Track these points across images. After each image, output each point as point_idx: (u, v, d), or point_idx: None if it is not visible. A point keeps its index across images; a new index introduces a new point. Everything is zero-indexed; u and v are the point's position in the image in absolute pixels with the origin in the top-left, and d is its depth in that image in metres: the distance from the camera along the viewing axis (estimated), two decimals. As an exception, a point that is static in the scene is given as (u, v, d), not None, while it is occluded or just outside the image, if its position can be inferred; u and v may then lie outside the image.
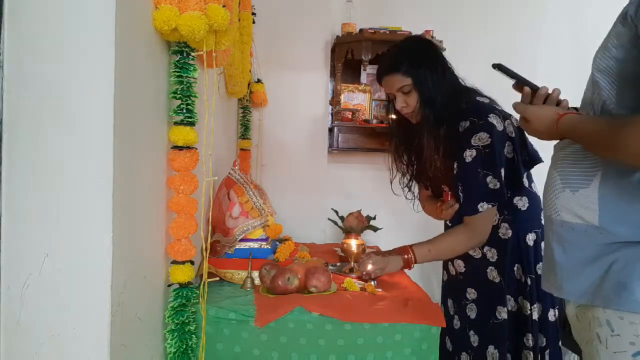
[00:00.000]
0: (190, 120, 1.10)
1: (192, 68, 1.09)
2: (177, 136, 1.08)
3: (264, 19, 2.31)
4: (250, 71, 2.20)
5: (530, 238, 1.42)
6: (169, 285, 1.14)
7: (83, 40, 0.84)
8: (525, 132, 1.28)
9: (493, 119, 1.36)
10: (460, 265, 1.53)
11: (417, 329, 1.21)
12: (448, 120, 1.41)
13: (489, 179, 1.35)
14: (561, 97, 1.06)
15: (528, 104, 1.06)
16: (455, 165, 1.40)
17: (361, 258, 1.50)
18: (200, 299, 1.15)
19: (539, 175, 1.32)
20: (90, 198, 0.85)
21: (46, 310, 0.86)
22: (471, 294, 1.49)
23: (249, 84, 2.22)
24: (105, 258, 0.86)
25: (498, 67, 1.09)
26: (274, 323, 1.19)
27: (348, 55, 2.39)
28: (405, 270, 1.55)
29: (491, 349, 1.42)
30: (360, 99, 2.54)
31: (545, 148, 1.13)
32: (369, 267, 1.44)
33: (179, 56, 1.08)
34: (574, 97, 1.07)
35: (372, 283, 1.45)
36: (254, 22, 2.07)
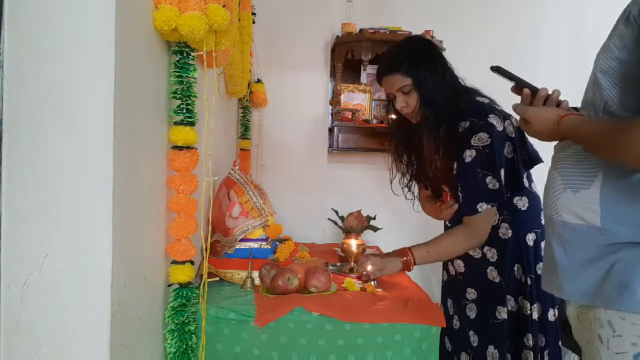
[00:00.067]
0: (190, 120, 1.10)
1: (192, 68, 1.09)
2: (177, 136, 1.08)
3: (264, 19, 2.31)
4: (250, 71, 2.20)
5: (530, 238, 1.42)
6: (169, 285, 1.14)
7: (83, 40, 0.84)
8: (525, 132, 1.28)
9: (493, 119, 1.36)
10: (460, 265, 1.53)
11: (417, 329, 1.21)
12: (448, 121, 1.41)
13: (488, 179, 1.35)
14: (561, 97, 1.06)
15: (528, 105, 1.05)
16: (455, 166, 1.40)
17: (360, 259, 1.50)
18: (200, 299, 1.15)
19: (539, 175, 1.32)
20: (90, 198, 0.85)
21: (46, 310, 0.86)
22: (471, 294, 1.49)
23: (249, 84, 2.22)
24: (105, 258, 0.86)
25: (496, 69, 1.08)
26: (274, 323, 1.19)
27: (348, 55, 2.39)
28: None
29: (491, 348, 1.42)
30: (360, 99, 2.54)
31: (545, 148, 1.13)
32: (368, 267, 1.43)
33: (179, 56, 1.08)
34: (574, 97, 1.07)
35: (372, 283, 1.45)
36: (254, 22, 2.07)
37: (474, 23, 2.62)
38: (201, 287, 1.15)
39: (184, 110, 1.09)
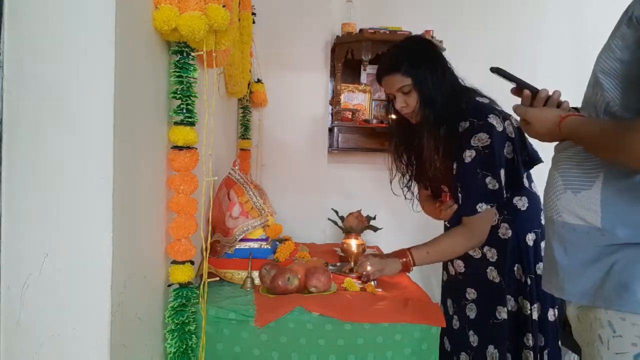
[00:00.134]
0: (190, 120, 1.10)
1: (192, 68, 1.09)
2: (177, 136, 1.08)
3: (264, 19, 2.31)
4: (250, 71, 2.20)
5: (530, 238, 1.42)
6: (169, 285, 1.14)
7: (83, 40, 0.84)
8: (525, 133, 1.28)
9: (493, 120, 1.36)
10: (460, 265, 1.53)
11: (417, 329, 1.21)
12: (448, 121, 1.41)
13: (488, 179, 1.35)
14: (561, 97, 1.05)
15: (528, 106, 1.05)
16: (454, 166, 1.40)
17: (359, 260, 1.50)
18: (200, 299, 1.15)
19: (539, 175, 1.32)
20: (90, 198, 0.85)
21: (46, 310, 0.86)
22: (471, 294, 1.49)
23: (249, 84, 2.22)
24: (105, 258, 0.86)
25: (496, 70, 1.08)
26: (274, 323, 1.19)
27: (348, 55, 2.39)
28: (405, 271, 1.55)
29: (491, 348, 1.42)
30: (360, 99, 2.54)
31: (545, 148, 1.13)
32: (367, 268, 1.43)
33: (179, 56, 1.08)
34: (574, 97, 1.07)
35: (372, 283, 1.45)
36: (254, 22, 2.07)
37: (474, 23, 2.62)
38: (201, 287, 1.15)
39: (184, 110, 1.09)
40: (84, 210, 0.85)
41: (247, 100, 2.32)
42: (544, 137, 1.02)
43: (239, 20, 1.80)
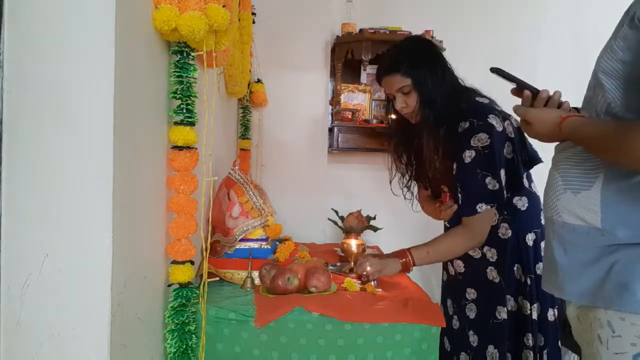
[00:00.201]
0: (190, 120, 1.10)
1: (192, 68, 1.09)
2: (177, 136, 1.08)
3: (264, 19, 2.31)
4: (250, 71, 2.20)
5: (530, 238, 1.42)
6: (169, 285, 1.14)
7: (83, 40, 0.84)
8: (524, 133, 1.28)
9: (492, 120, 1.36)
10: (459, 265, 1.53)
11: (417, 329, 1.21)
12: (447, 121, 1.41)
13: (488, 179, 1.35)
14: (562, 98, 1.05)
15: (529, 107, 1.05)
16: (454, 166, 1.40)
17: (359, 260, 1.50)
18: (200, 299, 1.15)
19: (539, 175, 1.32)
20: (90, 198, 0.85)
21: (46, 310, 0.86)
22: (471, 294, 1.49)
23: (249, 84, 2.22)
24: (105, 258, 0.86)
25: (496, 71, 1.08)
26: (274, 323, 1.19)
27: (348, 55, 2.39)
28: (405, 271, 1.54)
29: (491, 348, 1.42)
30: (360, 99, 2.54)
31: (545, 148, 1.13)
32: (367, 269, 1.43)
33: (179, 56, 1.08)
34: (574, 97, 1.07)
35: (372, 283, 1.45)
36: (254, 22, 2.07)
37: (474, 23, 2.62)
38: (201, 287, 1.15)
39: (184, 110, 1.09)
40: (84, 210, 0.85)
41: (247, 100, 2.32)
42: (544, 138, 1.02)
43: (239, 20, 1.80)
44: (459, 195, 1.40)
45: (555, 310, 1.43)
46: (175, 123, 1.09)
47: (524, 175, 1.43)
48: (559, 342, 1.45)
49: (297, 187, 2.49)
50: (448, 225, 1.58)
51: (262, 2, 2.29)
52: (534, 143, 1.28)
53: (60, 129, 0.85)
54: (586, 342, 0.92)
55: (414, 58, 1.42)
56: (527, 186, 1.45)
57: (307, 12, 2.47)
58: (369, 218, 1.86)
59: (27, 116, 0.84)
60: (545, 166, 1.11)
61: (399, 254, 1.46)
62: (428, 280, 2.49)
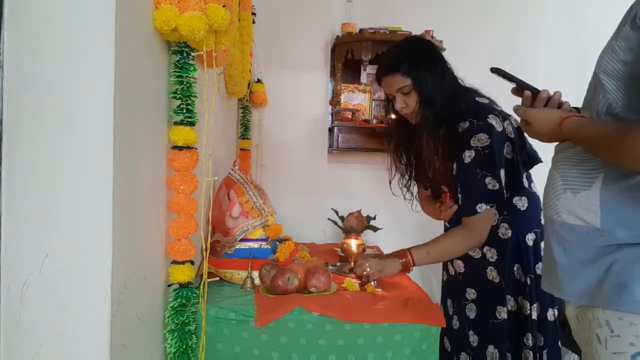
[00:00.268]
0: (190, 120, 1.10)
1: (192, 68, 1.09)
2: (177, 136, 1.08)
3: (264, 19, 2.31)
4: (250, 71, 2.20)
5: (530, 238, 1.42)
6: (169, 285, 1.14)
7: (83, 40, 0.84)
8: (524, 133, 1.28)
9: (492, 120, 1.36)
10: (459, 265, 1.53)
11: (417, 329, 1.21)
12: (447, 121, 1.41)
13: (487, 179, 1.35)
14: (562, 98, 1.05)
15: (529, 107, 1.05)
16: (454, 166, 1.40)
17: (359, 260, 1.50)
18: (200, 299, 1.15)
19: (539, 175, 1.32)
20: (90, 198, 0.85)
21: (46, 310, 0.86)
22: (471, 294, 1.49)
23: (249, 84, 2.22)
24: (105, 258, 0.86)
25: (496, 71, 1.08)
26: (274, 323, 1.19)
27: (348, 55, 2.39)
28: (405, 271, 1.54)
29: (491, 348, 1.42)
30: (360, 99, 2.55)
31: (545, 148, 1.13)
32: (367, 269, 1.43)
33: (179, 56, 1.08)
34: (574, 97, 1.07)
35: (372, 283, 1.45)
36: (254, 22, 2.07)
37: (474, 23, 2.62)
38: (201, 287, 1.15)
39: (184, 110, 1.09)
40: (84, 210, 0.85)
41: (247, 100, 2.32)
42: (544, 138, 1.02)
43: (239, 20, 1.80)
44: (459, 195, 1.40)
45: (555, 310, 1.43)
46: (175, 123, 1.09)
47: (524, 175, 1.43)
48: (559, 342, 1.45)
49: (297, 187, 2.49)
50: (448, 226, 1.58)
51: (262, 2, 2.29)
52: (534, 143, 1.28)
53: (60, 129, 0.85)
54: (585, 342, 0.92)
55: (414, 58, 1.41)
56: (527, 186, 1.45)
57: (307, 12, 2.47)
58: (369, 218, 1.86)
59: (27, 116, 0.84)
60: (545, 166, 1.11)
61: (399, 254, 1.45)
62: (428, 280, 2.49)
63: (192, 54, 1.09)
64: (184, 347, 1.12)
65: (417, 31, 2.26)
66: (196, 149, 1.12)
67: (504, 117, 1.40)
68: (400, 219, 2.35)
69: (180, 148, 1.09)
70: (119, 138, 0.87)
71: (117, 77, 0.85)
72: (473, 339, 1.46)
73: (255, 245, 1.57)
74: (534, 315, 1.39)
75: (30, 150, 0.85)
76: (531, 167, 1.46)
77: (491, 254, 1.45)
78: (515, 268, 1.43)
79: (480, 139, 1.34)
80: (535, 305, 1.39)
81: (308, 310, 1.22)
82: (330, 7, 2.50)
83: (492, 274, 1.45)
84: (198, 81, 1.12)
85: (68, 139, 0.85)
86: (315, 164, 2.53)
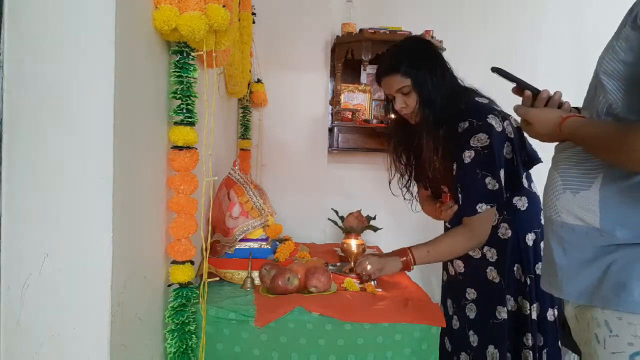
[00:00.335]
0: (190, 120, 1.10)
1: (192, 68, 1.09)
2: (177, 136, 1.08)
3: (264, 19, 2.31)
4: (250, 71, 2.20)
5: (530, 238, 1.42)
6: (169, 285, 1.14)
7: (83, 40, 0.84)
8: (524, 133, 1.28)
9: (492, 120, 1.36)
10: (459, 265, 1.53)
11: (417, 329, 1.21)
12: (447, 121, 1.41)
13: (487, 179, 1.35)
14: (562, 98, 1.05)
15: (529, 107, 1.05)
16: (454, 166, 1.40)
17: (359, 259, 1.50)
18: (200, 299, 1.15)
19: (539, 175, 1.32)
20: (90, 198, 0.85)
21: (46, 310, 0.86)
22: (471, 294, 1.49)
23: (249, 84, 2.22)
24: (105, 258, 0.86)
25: (497, 70, 1.08)
26: (274, 323, 1.19)
27: (348, 55, 2.39)
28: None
29: (491, 348, 1.42)
30: (360, 99, 2.55)
31: (545, 148, 1.13)
32: (367, 267, 1.43)
33: (179, 56, 1.08)
34: (574, 97, 1.07)
35: (372, 283, 1.45)
36: (254, 22, 2.07)
37: (474, 23, 2.62)
38: (201, 287, 1.15)
39: (184, 110, 1.09)
40: (84, 210, 0.85)
41: (247, 100, 2.32)
42: (544, 138, 1.02)
43: (239, 20, 1.80)
44: (459, 195, 1.40)
45: (555, 310, 1.43)
46: (175, 123, 1.09)
47: (524, 175, 1.43)
48: (559, 342, 1.45)
49: (297, 187, 2.49)
50: (449, 226, 1.58)
51: (262, 2, 2.29)
52: (534, 143, 1.28)
53: (60, 129, 0.85)
54: (584, 342, 0.92)
55: (414, 58, 1.41)
56: (527, 186, 1.45)
57: (307, 12, 2.48)
58: (369, 218, 1.86)
59: (27, 116, 0.84)
60: (545, 166, 1.11)
61: (400, 253, 1.46)
62: (428, 280, 2.49)
63: (192, 54, 1.09)
64: (184, 347, 1.12)
65: (417, 31, 2.26)
66: (196, 149, 1.12)
67: (504, 117, 1.40)
68: (400, 219, 2.35)
69: (180, 148, 1.09)
70: (119, 138, 0.87)
71: (117, 77, 0.85)
72: (473, 339, 1.46)
73: (255, 245, 1.57)
74: (534, 315, 1.39)
75: (30, 150, 0.85)
76: (531, 167, 1.46)
77: (491, 254, 1.45)
78: (515, 268, 1.43)
79: (480, 139, 1.34)
80: (535, 305, 1.39)
81: (308, 310, 1.22)
82: (330, 7, 2.50)
83: (492, 274, 1.45)
84: (198, 81, 1.12)
85: (68, 139, 0.85)
86: (315, 164, 2.53)
